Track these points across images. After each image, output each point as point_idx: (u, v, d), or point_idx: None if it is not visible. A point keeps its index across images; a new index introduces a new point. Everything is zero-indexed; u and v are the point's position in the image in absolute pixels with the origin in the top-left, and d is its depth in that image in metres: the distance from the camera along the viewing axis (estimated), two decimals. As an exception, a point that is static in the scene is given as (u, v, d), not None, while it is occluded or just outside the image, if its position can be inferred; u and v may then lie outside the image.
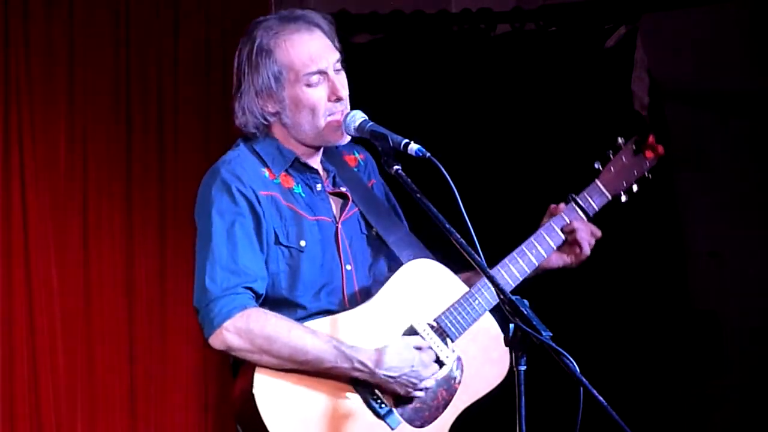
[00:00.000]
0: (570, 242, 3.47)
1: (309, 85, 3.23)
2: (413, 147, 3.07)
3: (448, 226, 2.93)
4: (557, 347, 2.69)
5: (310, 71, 3.22)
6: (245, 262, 3.15)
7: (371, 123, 3.22)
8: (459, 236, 2.91)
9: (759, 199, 5.86)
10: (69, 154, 5.23)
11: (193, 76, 5.63)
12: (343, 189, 3.36)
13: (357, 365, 3.12)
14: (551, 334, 2.74)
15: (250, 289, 3.15)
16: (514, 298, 2.80)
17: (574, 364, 2.69)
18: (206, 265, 3.15)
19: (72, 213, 5.22)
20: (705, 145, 6.02)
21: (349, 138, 3.29)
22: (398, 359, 3.16)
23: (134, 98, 5.45)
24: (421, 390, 3.19)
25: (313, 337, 3.13)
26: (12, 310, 5.02)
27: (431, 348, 3.23)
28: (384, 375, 3.14)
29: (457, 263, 3.22)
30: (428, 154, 3.04)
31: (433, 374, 3.21)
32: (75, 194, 5.24)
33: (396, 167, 3.08)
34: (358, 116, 3.25)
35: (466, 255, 2.88)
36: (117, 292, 5.31)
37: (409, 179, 3.07)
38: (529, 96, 5.81)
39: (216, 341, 3.13)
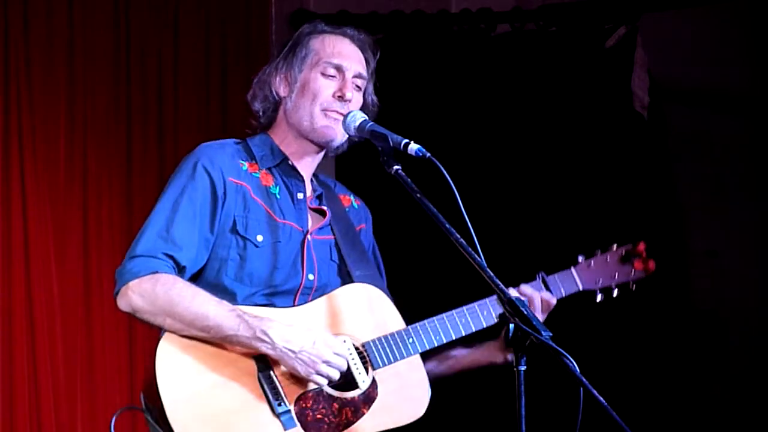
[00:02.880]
0: None
1: (323, 74, 3.33)
2: (413, 147, 3.08)
3: (448, 226, 2.93)
4: (557, 347, 2.69)
5: (330, 61, 3.33)
6: (177, 232, 3.18)
7: (371, 123, 3.25)
8: (459, 236, 2.91)
9: (759, 198, 5.86)
10: (69, 153, 5.23)
11: (193, 76, 5.63)
12: (324, 208, 3.40)
13: (259, 334, 3.09)
14: (551, 334, 2.74)
15: (172, 257, 3.17)
16: (514, 298, 2.80)
17: (574, 364, 2.69)
18: (143, 227, 3.22)
19: (72, 213, 5.22)
20: (705, 144, 6.02)
21: (345, 137, 3.33)
22: (301, 336, 3.11)
23: (134, 98, 5.45)
24: (321, 374, 3.12)
25: (217, 305, 3.11)
26: (12, 310, 5.01)
27: (348, 368, 3.21)
28: (285, 348, 3.09)
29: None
30: (428, 154, 3.05)
31: (336, 357, 3.13)
32: (75, 194, 5.24)
33: (396, 167, 3.09)
34: (359, 116, 3.28)
35: (465, 255, 2.88)
36: (117, 292, 5.31)
37: (409, 179, 3.07)
38: (529, 96, 5.81)
39: (121, 301, 3.14)
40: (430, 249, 4.64)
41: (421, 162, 3.05)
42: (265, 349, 3.11)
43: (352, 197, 3.54)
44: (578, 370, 2.69)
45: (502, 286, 2.88)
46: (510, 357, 3.29)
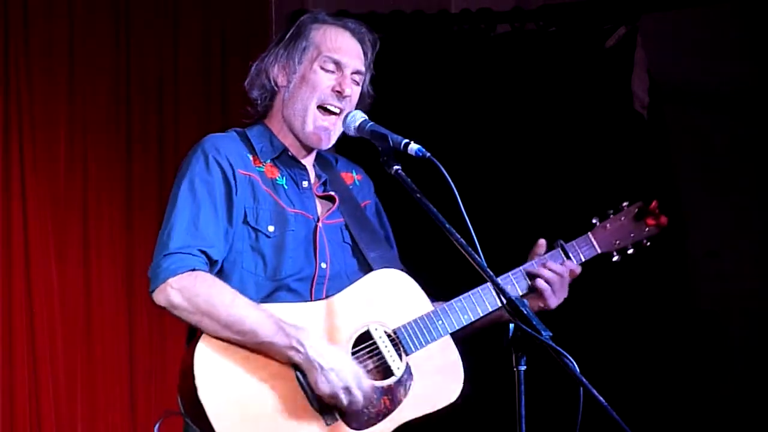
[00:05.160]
0: (539, 286, 3.40)
1: (322, 68, 3.33)
2: (413, 147, 3.08)
3: (448, 226, 2.93)
4: (557, 347, 2.69)
5: (330, 56, 3.33)
6: (205, 227, 3.18)
7: (371, 123, 3.25)
8: (459, 236, 2.91)
9: (759, 199, 5.85)
10: (69, 154, 5.23)
11: (193, 76, 5.63)
12: (333, 194, 3.40)
13: (295, 344, 3.09)
14: (551, 334, 2.74)
15: (205, 253, 3.16)
16: (514, 298, 2.80)
17: (574, 364, 2.68)
18: (168, 223, 3.19)
19: (72, 213, 5.22)
20: (705, 145, 6.02)
21: (330, 144, 3.34)
22: (335, 357, 3.12)
23: (134, 98, 5.45)
24: (338, 398, 3.10)
25: (256, 310, 3.12)
26: (12, 310, 5.01)
27: (383, 356, 3.22)
28: (316, 361, 3.09)
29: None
30: (428, 154, 3.05)
31: (363, 395, 3.13)
32: (75, 194, 5.24)
33: (396, 167, 3.09)
34: (359, 116, 3.28)
35: (465, 255, 2.88)
36: (117, 292, 5.31)
37: (409, 179, 3.07)
38: (529, 96, 5.81)
39: (159, 296, 3.13)
40: (429, 250, 4.64)
41: (421, 162, 3.05)
42: (297, 358, 3.10)
43: (353, 172, 3.52)
44: (578, 370, 2.69)
45: (502, 285, 2.88)
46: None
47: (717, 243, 5.97)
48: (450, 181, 2.97)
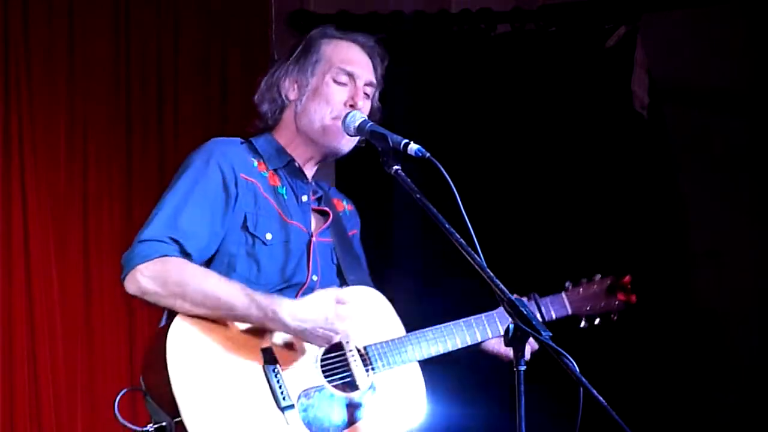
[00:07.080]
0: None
1: (335, 81, 3.36)
2: (413, 147, 3.08)
3: (447, 226, 2.93)
4: (557, 347, 2.69)
5: (342, 68, 3.36)
6: (185, 221, 3.20)
7: (371, 123, 3.26)
8: (459, 236, 2.91)
9: (759, 199, 5.85)
10: (69, 154, 5.23)
11: (193, 77, 5.63)
12: (327, 209, 3.44)
13: (271, 315, 3.10)
14: (551, 334, 2.74)
15: (178, 243, 3.17)
16: (514, 297, 2.80)
17: (574, 364, 2.69)
18: (152, 214, 3.22)
19: (72, 213, 5.22)
20: (705, 145, 6.01)
21: (351, 145, 3.32)
22: (313, 310, 3.13)
23: (134, 98, 5.45)
24: (337, 339, 3.17)
25: (228, 285, 3.13)
26: (12, 310, 5.01)
27: (350, 369, 3.24)
28: (298, 326, 3.11)
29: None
30: (428, 154, 3.05)
31: (348, 326, 3.19)
32: (75, 194, 5.24)
33: (395, 167, 3.09)
34: (358, 116, 3.29)
35: (465, 255, 2.88)
36: (117, 292, 5.30)
37: (408, 179, 3.07)
38: (529, 96, 5.81)
39: (130, 284, 3.15)
40: (430, 251, 4.64)
41: (420, 162, 3.06)
42: (279, 329, 3.13)
43: (345, 202, 3.58)
44: (578, 369, 2.69)
45: (501, 285, 2.88)
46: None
47: (717, 243, 5.97)
48: (450, 181, 2.97)
